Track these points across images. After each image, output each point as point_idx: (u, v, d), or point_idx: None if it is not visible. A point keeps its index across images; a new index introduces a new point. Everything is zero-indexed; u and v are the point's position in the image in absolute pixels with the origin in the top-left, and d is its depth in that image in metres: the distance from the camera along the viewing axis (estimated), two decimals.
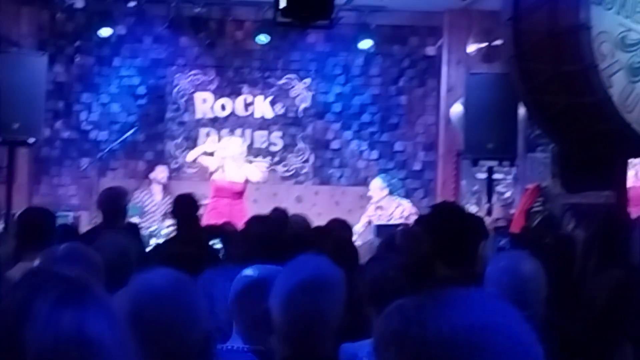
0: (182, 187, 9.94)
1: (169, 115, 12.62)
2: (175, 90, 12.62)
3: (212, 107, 12.66)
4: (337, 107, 12.80)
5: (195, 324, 2.50)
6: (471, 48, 11.20)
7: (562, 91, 5.52)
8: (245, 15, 12.27)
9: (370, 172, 12.40)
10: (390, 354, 1.49)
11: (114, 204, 6.59)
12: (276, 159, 12.75)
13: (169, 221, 8.94)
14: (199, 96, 12.66)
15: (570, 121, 5.65)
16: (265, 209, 7.77)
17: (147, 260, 5.21)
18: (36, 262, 4.06)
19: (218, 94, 12.67)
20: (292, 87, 12.75)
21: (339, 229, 6.74)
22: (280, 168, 12.74)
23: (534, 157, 10.24)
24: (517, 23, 5.74)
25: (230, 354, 3.08)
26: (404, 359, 1.46)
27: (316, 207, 11.71)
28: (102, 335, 1.52)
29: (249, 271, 3.20)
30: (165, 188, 11.70)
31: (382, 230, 8.66)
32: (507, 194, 11.07)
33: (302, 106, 12.77)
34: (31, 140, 8.82)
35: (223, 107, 12.68)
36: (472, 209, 10.06)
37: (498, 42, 9.87)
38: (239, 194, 10.44)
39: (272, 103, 12.72)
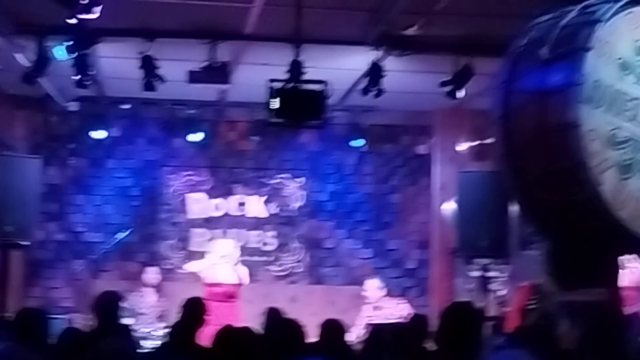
0: (175, 289, 9.91)
1: (162, 216, 12.63)
2: (169, 191, 12.65)
3: (205, 208, 12.68)
4: (330, 206, 12.83)
5: None
6: (462, 146, 11.29)
7: (553, 189, 5.53)
8: (238, 116, 12.37)
9: (365, 270, 12.36)
10: None
11: (109, 307, 6.65)
12: (270, 258, 12.71)
13: (163, 323, 8.87)
14: (192, 197, 12.68)
15: (562, 218, 5.65)
16: (259, 309, 7.75)
17: None
18: None
19: (212, 194, 12.70)
20: (286, 186, 12.79)
21: (334, 329, 6.69)
22: (274, 267, 12.70)
23: (529, 254, 10.21)
24: (507, 121, 5.77)
25: None
26: None
27: (311, 306, 11.62)
28: None
29: None
30: (158, 289, 11.62)
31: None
32: (503, 292, 11.00)
33: (296, 205, 12.79)
34: (25, 242, 8.82)
35: (217, 207, 12.69)
36: None
37: (489, 140, 9.94)
38: (233, 295, 10.39)
39: (266, 202, 12.74)
